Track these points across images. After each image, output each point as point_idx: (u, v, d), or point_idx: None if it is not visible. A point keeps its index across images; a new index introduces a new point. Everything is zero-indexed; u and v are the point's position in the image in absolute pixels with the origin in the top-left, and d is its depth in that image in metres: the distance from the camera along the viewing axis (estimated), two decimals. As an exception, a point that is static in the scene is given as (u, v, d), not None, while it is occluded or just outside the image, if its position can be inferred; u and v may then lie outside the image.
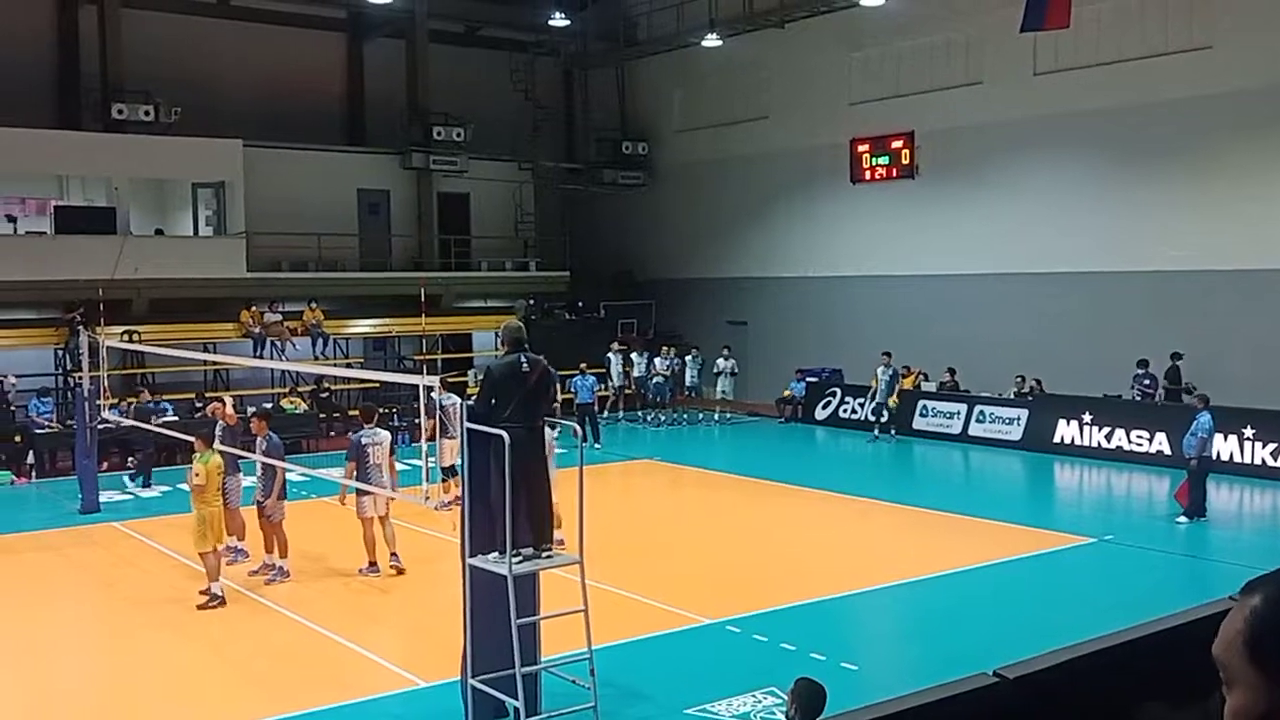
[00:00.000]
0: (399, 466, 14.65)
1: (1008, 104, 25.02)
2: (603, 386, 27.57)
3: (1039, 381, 23.64)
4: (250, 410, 14.83)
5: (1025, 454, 22.57)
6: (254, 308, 26.63)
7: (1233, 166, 21.73)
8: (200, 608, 12.47)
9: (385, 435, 13.85)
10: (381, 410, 17.77)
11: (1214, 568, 14.26)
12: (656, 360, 28.68)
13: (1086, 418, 22.02)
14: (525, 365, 8.80)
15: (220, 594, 12.63)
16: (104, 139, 26.14)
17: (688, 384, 28.95)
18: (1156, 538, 15.64)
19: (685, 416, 28.71)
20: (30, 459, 21.46)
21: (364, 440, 13.71)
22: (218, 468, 12.96)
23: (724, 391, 28.09)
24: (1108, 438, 21.68)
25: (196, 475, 12.64)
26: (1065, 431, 22.35)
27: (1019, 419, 23.32)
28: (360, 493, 13.46)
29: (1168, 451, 20.06)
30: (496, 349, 30.14)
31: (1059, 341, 23.88)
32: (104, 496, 18.51)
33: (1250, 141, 21.43)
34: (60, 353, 24.70)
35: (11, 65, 26.53)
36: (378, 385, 24.46)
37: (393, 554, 13.77)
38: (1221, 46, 21.63)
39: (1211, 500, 16.77)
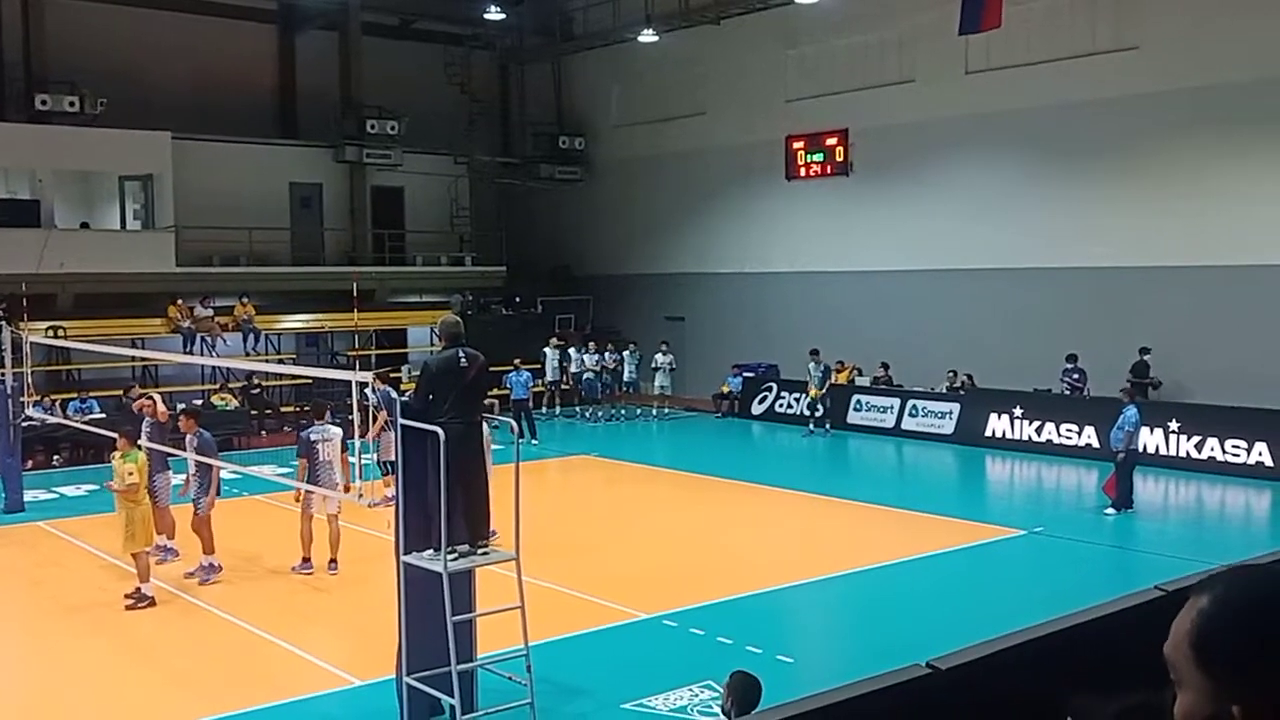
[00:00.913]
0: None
1: (940, 102, 25.31)
2: (538, 382, 27.48)
3: (970, 376, 23.97)
4: (180, 407, 14.56)
5: (957, 447, 22.87)
6: (181, 302, 26.18)
7: (1159, 165, 22.16)
8: (129, 608, 12.24)
9: (337, 432, 13.64)
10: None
11: (1141, 558, 14.55)
12: (586, 356, 28.63)
13: (1017, 412, 22.36)
14: (463, 360, 8.74)
15: (150, 595, 12.41)
16: (27, 130, 25.52)
17: (626, 379, 28.96)
18: (1085, 529, 15.92)
19: (623, 412, 28.71)
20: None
21: (313, 437, 13.54)
22: (144, 467, 12.75)
23: (662, 386, 28.14)
24: (1038, 431, 22.04)
25: (130, 474, 12.40)
26: (996, 425, 22.68)
27: (951, 413, 23.63)
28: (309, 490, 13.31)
29: (1096, 445, 20.42)
30: (432, 344, 29.95)
31: (990, 336, 24.23)
32: (29, 495, 18.11)
33: (1176, 140, 21.87)
34: (-18, 349, 24.12)
35: (-70, 54, 25.88)
36: (310, 381, 24.17)
37: (332, 560, 13.61)
38: (1148, 47, 22.05)
39: (1138, 492, 17.09)
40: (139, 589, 12.39)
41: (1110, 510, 16.59)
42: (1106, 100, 22.54)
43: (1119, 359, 21.21)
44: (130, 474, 12.44)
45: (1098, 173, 23.06)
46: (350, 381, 10.57)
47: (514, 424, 9.63)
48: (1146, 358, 21.28)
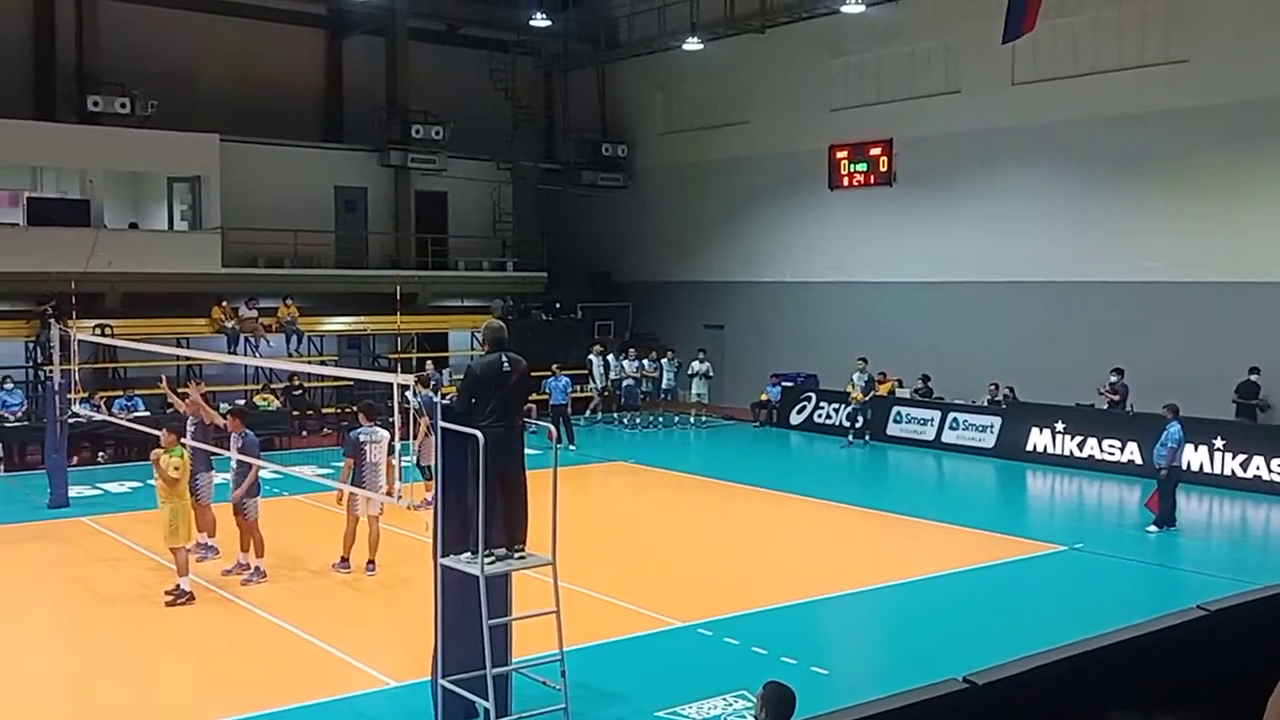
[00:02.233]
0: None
1: (985, 113, 25.16)
2: (581, 388, 27.52)
3: (1012, 389, 23.77)
4: (224, 407, 14.70)
5: (998, 461, 22.68)
6: (225, 303, 26.47)
7: (1207, 179, 21.91)
8: (168, 604, 12.38)
9: (384, 434, 13.66)
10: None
11: (1183, 577, 14.35)
12: (626, 363, 28.68)
13: (1059, 426, 22.15)
14: (506, 364, 8.77)
15: (189, 590, 12.55)
16: (79, 131, 25.93)
17: (664, 387, 28.96)
18: (1126, 546, 15.74)
19: (661, 419, 28.70)
20: (-1, 452, 21.29)
21: (361, 438, 13.63)
22: (187, 463, 12.90)
23: (699, 394, 28.11)
24: (1080, 446, 21.81)
25: (175, 469, 12.55)
26: (1038, 439, 22.48)
27: (992, 426, 23.44)
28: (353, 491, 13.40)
29: (1139, 461, 20.19)
30: (473, 349, 30.09)
31: (1033, 350, 24.03)
32: (73, 491, 18.35)
33: (1225, 155, 21.62)
34: (31, 346, 24.50)
35: (-15, 55, 26.34)
36: (351, 383, 24.32)
37: (370, 561, 13.70)
38: (1199, 60, 21.81)
39: (1181, 510, 16.90)
40: (178, 585, 12.53)
41: (1152, 528, 16.39)
42: (1155, 113, 22.32)
43: (1163, 374, 20.96)
44: (175, 468, 12.58)
45: (1145, 186, 22.83)
46: (391, 384, 10.63)
47: (552, 429, 9.63)
48: (1255, 378, 20.74)
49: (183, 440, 13.50)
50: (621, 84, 34.46)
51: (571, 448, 23.69)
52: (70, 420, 18.66)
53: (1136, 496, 18.42)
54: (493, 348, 8.95)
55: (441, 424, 8.62)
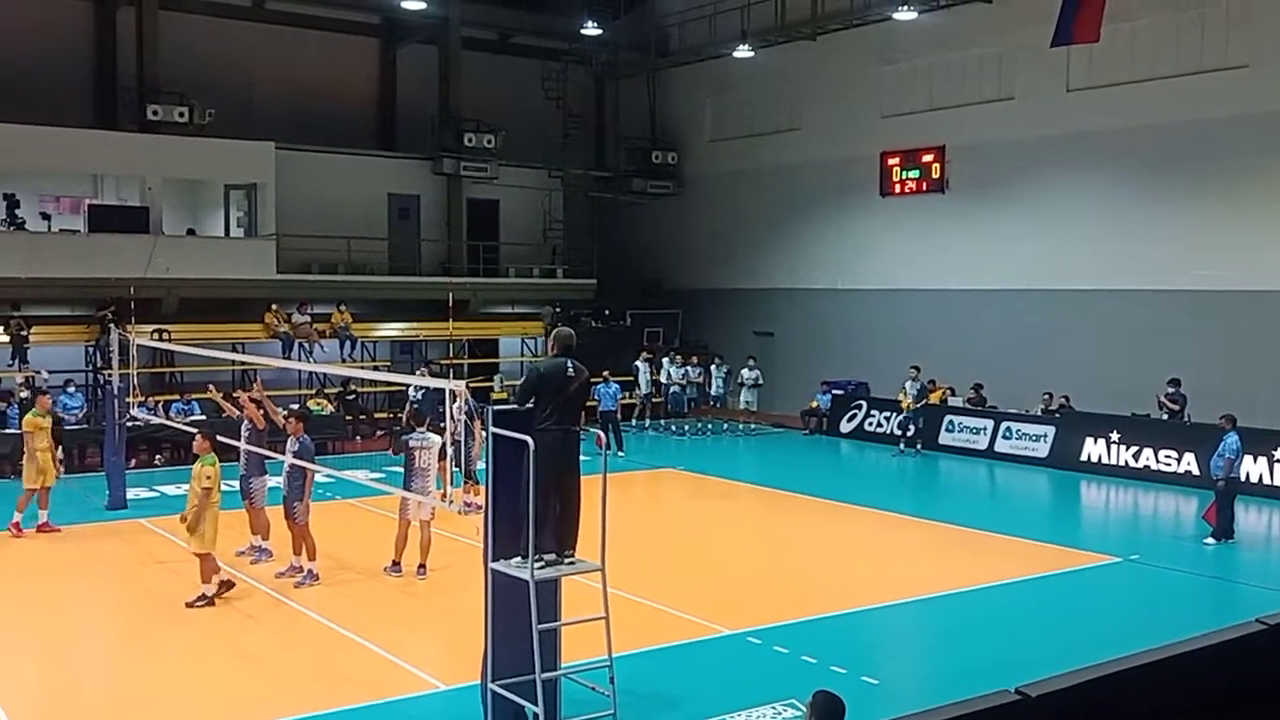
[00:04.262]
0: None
1: (1040, 120, 24.92)
2: (629, 395, 27.56)
3: (1067, 398, 23.49)
4: (282, 412, 14.87)
5: (1051, 471, 22.42)
6: (276, 308, 26.80)
7: (1267, 186, 21.57)
8: (189, 605, 12.52)
9: (436, 439, 13.73)
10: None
11: (1241, 590, 14.12)
12: (674, 369, 28.68)
13: (1114, 436, 21.86)
14: (571, 370, 8.82)
15: (211, 595, 12.67)
16: (139, 139, 26.42)
17: (712, 394, 28.89)
18: (1183, 558, 15.51)
19: (710, 426, 28.67)
20: (59, 454, 21.61)
21: (413, 443, 13.75)
22: (218, 471, 12.92)
23: (748, 402, 28.03)
24: (1135, 457, 21.51)
25: (207, 479, 12.65)
26: (1092, 449, 22.19)
27: (1046, 436, 23.18)
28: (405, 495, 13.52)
29: (1196, 472, 19.91)
30: (522, 355, 30.24)
31: (1087, 359, 23.75)
32: (131, 493, 18.67)
33: (1285, 161, 21.28)
34: (91, 350, 24.95)
35: (50, 65, 26.89)
36: (404, 388, 24.51)
37: (421, 565, 13.81)
38: (1258, 66, 21.48)
39: (1239, 522, 16.62)
40: (206, 591, 12.67)
41: (1210, 540, 16.14)
42: (1213, 120, 22.01)
43: (1220, 384, 20.64)
44: (208, 478, 12.67)
45: (1201, 194, 22.51)
46: (444, 390, 10.69)
47: (600, 434, 9.66)
48: None
49: (229, 443, 13.61)
50: (672, 92, 34.51)
51: (621, 454, 23.74)
52: (128, 424, 18.97)
53: (1193, 508, 18.16)
54: (561, 352, 9.00)
55: (494, 429, 8.67)
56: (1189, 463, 20.44)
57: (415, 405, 20.48)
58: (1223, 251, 22.12)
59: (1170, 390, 21.24)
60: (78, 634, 12.16)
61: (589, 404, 24.53)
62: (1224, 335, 21.77)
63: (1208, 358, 21.62)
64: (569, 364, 8.84)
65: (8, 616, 12.49)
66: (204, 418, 21.63)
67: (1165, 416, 21.46)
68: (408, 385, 22.83)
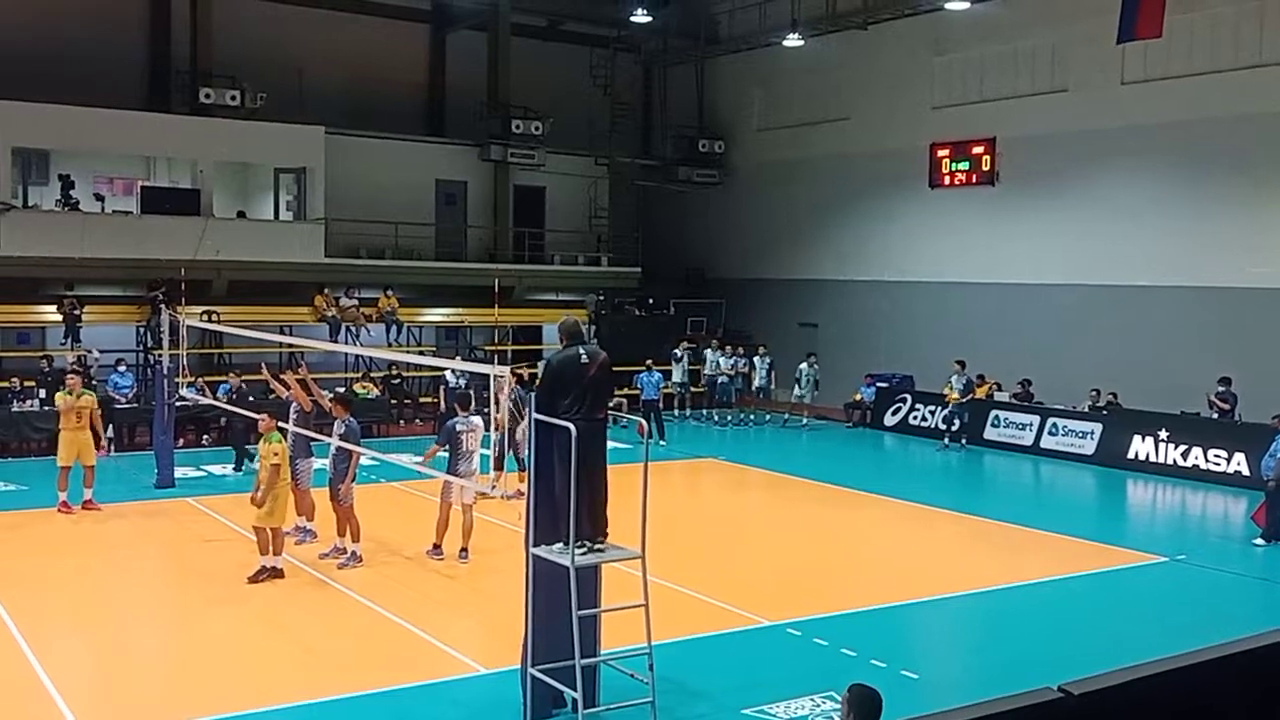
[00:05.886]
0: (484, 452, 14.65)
1: (1093, 113, 24.59)
2: (668, 384, 27.52)
3: (1115, 395, 23.21)
4: (328, 394, 15.01)
5: (1098, 469, 22.17)
6: (326, 292, 27.04)
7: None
8: (251, 581, 12.78)
9: (480, 423, 13.77)
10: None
11: (1290, 593, 13.92)
12: (721, 359, 28.61)
13: (1163, 434, 21.58)
14: (584, 357, 8.83)
15: (272, 566, 12.94)
16: (191, 122, 26.71)
17: (755, 384, 28.80)
18: (1231, 559, 15.30)
19: (752, 417, 28.60)
20: (109, 433, 21.95)
21: (459, 427, 13.81)
22: (285, 450, 13.24)
23: (800, 396, 27.70)
24: (1184, 455, 21.22)
25: (275, 455, 12.90)
26: (1140, 447, 21.92)
27: (1093, 433, 22.92)
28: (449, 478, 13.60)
29: (1246, 472, 19.62)
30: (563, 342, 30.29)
31: (1137, 356, 23.45)
32: (179, 472, 18.93)
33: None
34: (142, 330, 25.29)
35: (104, 48, 27.23)
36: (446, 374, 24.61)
37: (463, 549, 13.88)
38: (1318, 59, 21.10)
39: (1290, 524, 16.35)
40: (264, 565, 12.89)
41: (1259, 541, 15.91)
42: (1272, 114, 21.62)
43: (1273, 384, 20.31)
44: (275, 455, 12.91)
45: (1258, 189, 22.13)
46: (488, 375, 10.74)
47: (642, 423, 9.66)
48: None
49: (282, 425, 13.84)
50: (720, 80, 34.39)
51: (662, 443, 23.75)
52: (177, 404, 19.22)
53: (1242, 509, 17.92)
54: (570, 342, 9.03)
55: (534, 415, 8.71)
56: (1239, 463, 20.14)
57: (457, 389, 20.58)
58: (1276, 249, 21.73)
59: (1221, 389, 20.93)
60: (125, 608, 12.36)
61: (632, 393, 24.67)
62: (1277, 334, 21.40)
63: (1260, 356, 21.27)
64: (581, 351, 8.86)
65: (58, 594, 12.69)
66: (251, 398, 21.83)
67: (1215, 415, 21.15)
68: (449, 370, 22.97)
